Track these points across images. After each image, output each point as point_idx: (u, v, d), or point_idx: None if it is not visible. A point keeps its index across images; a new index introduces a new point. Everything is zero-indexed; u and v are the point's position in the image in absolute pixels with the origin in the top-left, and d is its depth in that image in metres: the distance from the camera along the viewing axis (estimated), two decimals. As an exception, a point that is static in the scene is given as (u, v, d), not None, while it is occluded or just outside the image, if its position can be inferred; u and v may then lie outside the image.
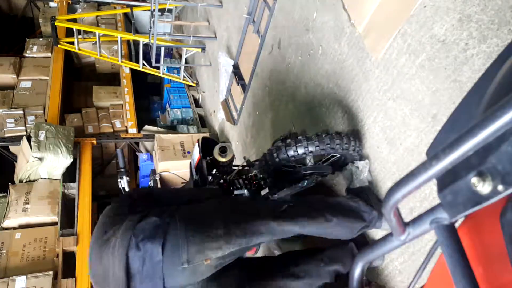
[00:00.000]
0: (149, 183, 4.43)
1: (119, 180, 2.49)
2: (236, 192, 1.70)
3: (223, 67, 3.72)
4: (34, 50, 5.12)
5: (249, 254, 3.34)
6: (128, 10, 4.84)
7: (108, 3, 5.32)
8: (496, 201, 0.47)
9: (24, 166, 3.69)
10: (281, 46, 2.60)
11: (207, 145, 1.83)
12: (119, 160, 2.61)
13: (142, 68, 4.73)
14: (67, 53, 5.16)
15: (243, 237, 1.31)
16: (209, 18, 4.55)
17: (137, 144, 5.01)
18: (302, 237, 2.01)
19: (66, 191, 3.80)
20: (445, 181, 0.55)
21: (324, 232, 1.52)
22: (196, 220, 1.29)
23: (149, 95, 6.06)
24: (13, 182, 3.82)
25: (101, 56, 4.76)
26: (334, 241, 1.61)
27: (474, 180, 0.49)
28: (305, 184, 1.64)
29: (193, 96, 5.51)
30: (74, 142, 3.94)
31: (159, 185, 4.31)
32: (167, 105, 5.44)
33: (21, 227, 3.47)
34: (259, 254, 2.88)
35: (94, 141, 4.25)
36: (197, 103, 5.49)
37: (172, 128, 5.04)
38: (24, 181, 3.79)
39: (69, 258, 3.29)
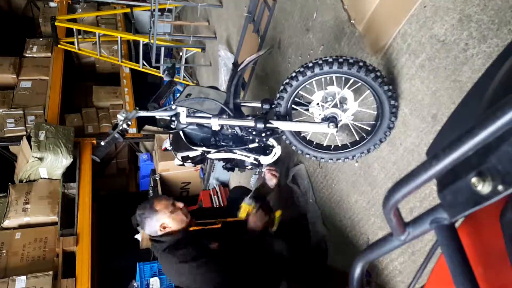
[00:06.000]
0: (149, 183, 4.44)
1: None
2: None
3: (222, 60, 3.72)
4: (34, 50, 5.12)
5: None
6: (128, 10, 4.83)
7: (108, 3, 5.32)
8: (496, 201, 0.47)
9: (24, 166, 3.70)
10: (281, 46, 2.60)
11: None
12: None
13: (142, 68, 4.73)
14: (67, 53, 5.16)
15: None
16: (209, 18, 4.55)
17: (137, 144, 5.02)
18: None
19: (66, 191, 3.80)
20: (445, 181, 0.55)
21: None
22: None
23: (149, 95, 6.06)
24: (13, 182, 3.82)
25: (101, 56, 4.76)
26: None
27: (474, 180, 0.49)
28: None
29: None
30: (74, 142, 3.94)
31: (159, 185, 4.32)
32: (167, 105, 5.44)
33: (21, 227, 3.47)
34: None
35: (94, 141, 4.25)
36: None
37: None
38: (24, 181, 3.79)
39: (69, 258, 3.29)
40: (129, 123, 1.70)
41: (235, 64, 1.72)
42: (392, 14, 1.54)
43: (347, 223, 2.02)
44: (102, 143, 1.67)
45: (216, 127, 1.71)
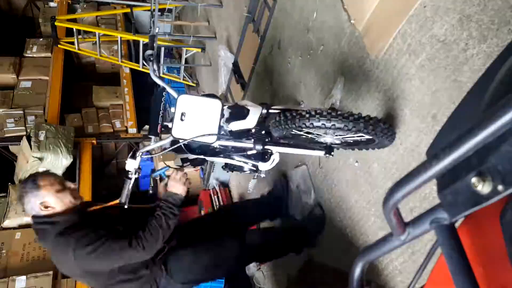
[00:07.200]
0: (149, 183, 4.43)
1: None
2: None
3: (222, 60, 3.72)
4: (34, 50, 5.11)
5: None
6: (128, 10, 4.83)
7: (108, 3, 5.32)
8: (496, 201, 0.47)
9: (24, 166, 3.69)
10: (281, 46, 2.60)
11: None
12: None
13: (142, 68, 4.73)
14: (67, 53, 5.15)
15: None
16: (209, 18, 4.55)
17: (137, 144, 5.01)
18: None
19: (66, 191, 3.79)
20: (445, 181, 0.55)
21: None
22: None
23: (149, 95, 6.04)
24: (13, 182, 3.82)
25: (101, 56, 4.75)
26: None
27: (474, 180, 0.49)
28: None
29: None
30: (74, 142, 3.93)
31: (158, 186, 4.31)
32: (167, 105, 5.43)
33: (21, 227, 3.47)
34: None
35: (94, 141, 4.25)
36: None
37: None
38: (24, 181, 3.79)
39: (69, 258, 3.29)
40: (139, 169, 1.82)
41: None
42: (392, 14, 1.54)
43: (347, 223, 2.02)
44: (124, 195, 1.85)
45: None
